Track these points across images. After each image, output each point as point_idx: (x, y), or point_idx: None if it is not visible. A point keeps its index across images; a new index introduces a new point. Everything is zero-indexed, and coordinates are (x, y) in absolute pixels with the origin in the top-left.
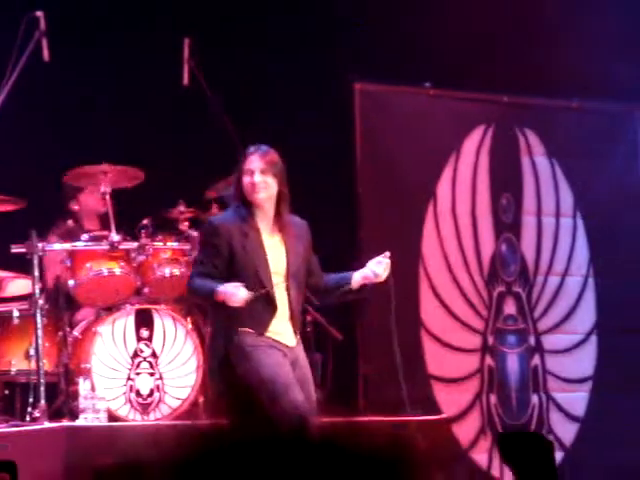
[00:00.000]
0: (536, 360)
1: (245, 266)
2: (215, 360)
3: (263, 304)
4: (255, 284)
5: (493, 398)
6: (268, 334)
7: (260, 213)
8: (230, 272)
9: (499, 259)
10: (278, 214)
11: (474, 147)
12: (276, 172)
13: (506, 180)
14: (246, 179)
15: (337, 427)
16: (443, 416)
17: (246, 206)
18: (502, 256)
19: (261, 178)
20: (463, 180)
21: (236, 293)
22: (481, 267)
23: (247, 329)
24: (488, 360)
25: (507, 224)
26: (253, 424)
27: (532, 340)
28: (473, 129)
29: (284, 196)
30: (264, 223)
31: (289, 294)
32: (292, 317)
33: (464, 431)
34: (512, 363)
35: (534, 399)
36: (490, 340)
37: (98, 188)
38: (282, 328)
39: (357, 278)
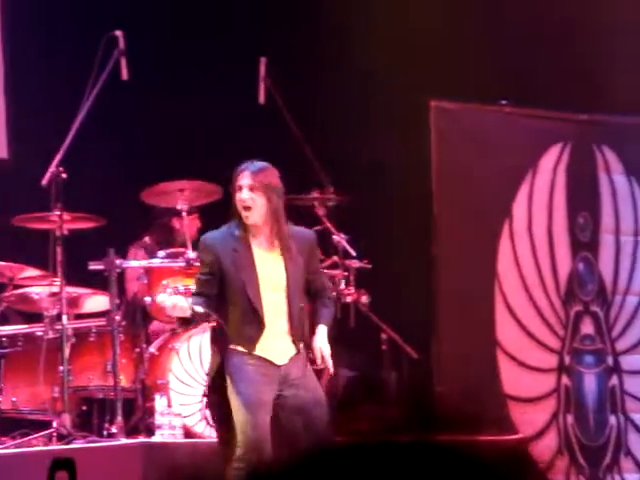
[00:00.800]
0: (614, 380)
1: (234, 282)
2: (210, 377)
3: (251, 322)
4: (243, 300)
5: (570, 418)
6: (257, 352)
7: (253, 229)
8: (221, 289)
9: (576, 278)
10: (275, 230)
11: (551, 165)
12: (266, 190)
13: (583, 198)
14: (238, 195)
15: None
16: (520, 436)
17: (240, 222)
18: (579, 275)
19: (249, 195)
20: (540, 198)
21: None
22: (558, 286)
23: (238, 347)
24: (565, 380)
25: (584, 243)
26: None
27: (610, 360)
28: (550, 147)
29: (278, 213)
30: (259, 239)
31: (289, 307)
32: (291, 330)
33: (541, 451)
34: (589, 383)
35: (612, 420)
36: (567, 360)
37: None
38: (274, 344)
39: (315, 338)
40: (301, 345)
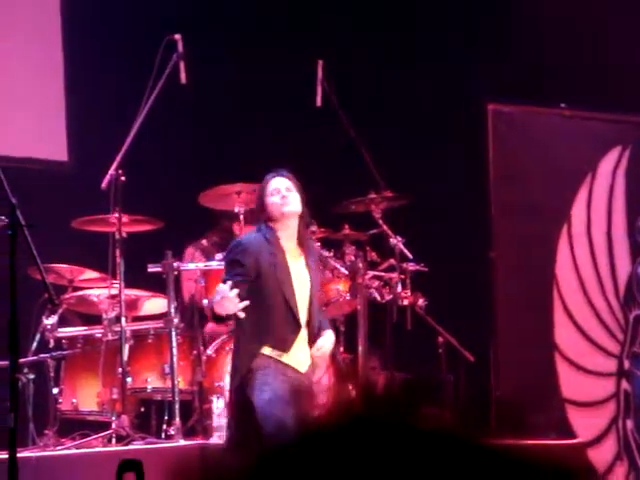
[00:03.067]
0: None
1: (271, 282)
2: (236, 381)
3: (287, 323)
4: (280, 300)
5: (629, 423)
6: (286, 358)
7: (284, 235)
8: (254, 289)
9: (636, 282)
10: (300, 235)
11: (610, 168)
12: (299, 190)
13: None
14: (272, 198)
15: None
16: (579, 440)
17: (270, 228)
18: (639, 279)
19: (288, 193)
20: (599, 202)
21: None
22: (617, 290)
23: (268, 350)
24: (624, 384)
25: None
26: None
27: None
28: (609, 150)
29: (305, 218)
30: (288, 245)
31: (310, 316)
32: (310, 338)
33: (600, 456)
34: None
35: None
36: (626, 364)
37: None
38: (300, 350)
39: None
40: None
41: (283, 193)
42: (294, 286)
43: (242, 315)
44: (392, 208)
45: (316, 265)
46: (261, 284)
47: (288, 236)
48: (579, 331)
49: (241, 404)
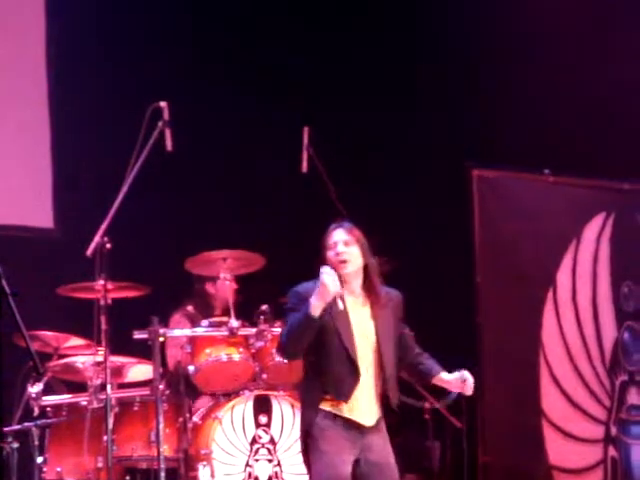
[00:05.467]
0: None
1: (329, 330)
2: (301, 440)
3: (346, 372)
4: (338, 348)
5: None
6: (346, 412)
7: (346, 285)
8: (315, 339)
9: (622, 348)
10: (367, 286)
11: (594, 235)
12: (360, 244)
13: (628, 268)
14: (330, 252)
15: None
16: None
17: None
18: (624, 345)
19: (345, 249)
20: (583, 268)
21: (326, 284)
22: (603, 356)
23: (328, 405)
24: (611, 451)
25: (629, 312)
26: None
27: None
28: (593, 217)
29: (372, 267)
30: (350, 295)
31: (379, 357)
32: (377, 392)
33: None
34: (636, 454)
35: None
36: (613, 430)
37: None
38: (364, 401)
39: (444, 377)
40: (379, 417)
41: (339, 249)
42: (354, 332)
43: (341, 306)
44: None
45: (389, 312)
46: (320, 333)
47: (350, 286)
48: (566, 397)
49: (307, 457)
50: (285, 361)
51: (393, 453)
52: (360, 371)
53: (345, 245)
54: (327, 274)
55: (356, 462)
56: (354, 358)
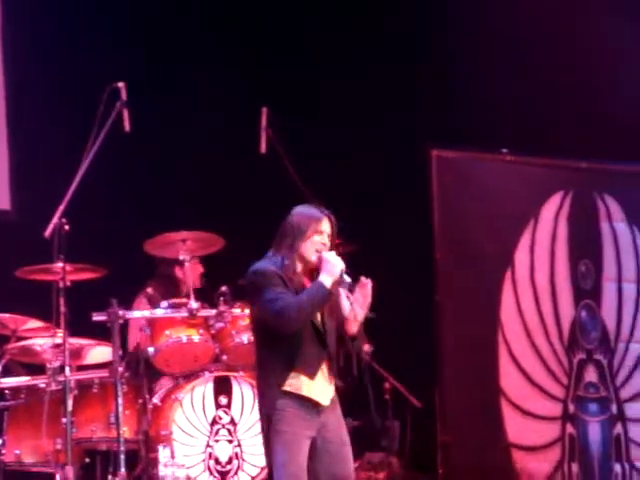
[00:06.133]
0: (619, 429)
1: None
2: (262, 420)
3: (315, 347)
4: (309, 326)
5: (575, 467)
6: (305, 391)
7: (301, 265)
8: None
9: (579, 326)
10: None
11: (552, 214)
12: (333, 237)
13: (585, 246)
14: (318, 237)
15: None
16: None
17: (290, 256)
18: (582, 323)
19: (327, 241)
20: (541, 247)
21: (334, 262)
22: (561, 334)
23: (290, 385)
24: (569, 428)
25: (586, 290)
26: None
27: (614, 408)
28: (551, 195)
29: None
30: (303, 272)
31: (329, 345)
32: (330, 369)
33: None
34: (594, 432)
35: (617, 468)
36: (571, 408)
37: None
38: (321, 381)
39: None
40: (334, 394)
41: (326, 241)
42: (324, 314)
43: (348, 279)
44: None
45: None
46: None
47: (305, 265)
48: (524, 375)
49: (266, 437)
50: (245, 342)
51: (351, 432)
52: (328, 350)
53: (328, 237)
54: (328, 253)
55: (313, 441)
56: (324, 336)
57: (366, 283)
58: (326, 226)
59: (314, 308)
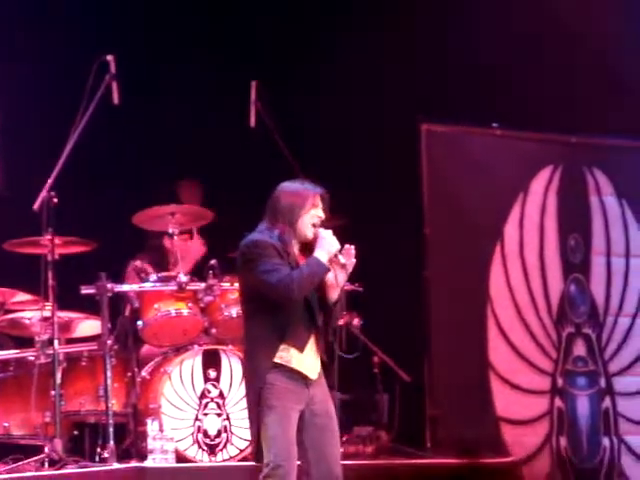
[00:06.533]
0: (607, 402)
1: None
2: (252, 396)
3: (305, 320)
4: (298, 302)
5: (563, 440)
6: (295, 364)
7: (296, 239)
8: None
9: (568, 300)
10: (309, 246)
11: (542, 188)
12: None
13: (574, 220)
14: (315, 211)
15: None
16: (512, 458)
17: (287, 230)
18: (571, 297)
19: (322, 215)
20: (531, 221)
21: (330, 240)
22: (550, 308)
23: (281, 358)
24: (558, 402)
25: (576, 264)
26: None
27: (603, 382)
28: (541, 170)
29: None
30: (297, 246)
31: (317, 319)
32: (318, 344)
33: (534, 473)
34: (582, 405)
35: (605, 442)
36: (560, 382)
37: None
38: (310, 354)
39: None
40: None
41: (320, 217)
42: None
43: (342, 260)
44: (327, 229)
45: None
46: None
47: (299, 238)
48: (513, 349)
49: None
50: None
51: (340, 406)
52: (316, 323)
53: (322, 212)
54: (325, 231)
55: (301, 414)
56: (313, 309)
57: (349, 248)
58: (321, 201)
59: (313, 283)
